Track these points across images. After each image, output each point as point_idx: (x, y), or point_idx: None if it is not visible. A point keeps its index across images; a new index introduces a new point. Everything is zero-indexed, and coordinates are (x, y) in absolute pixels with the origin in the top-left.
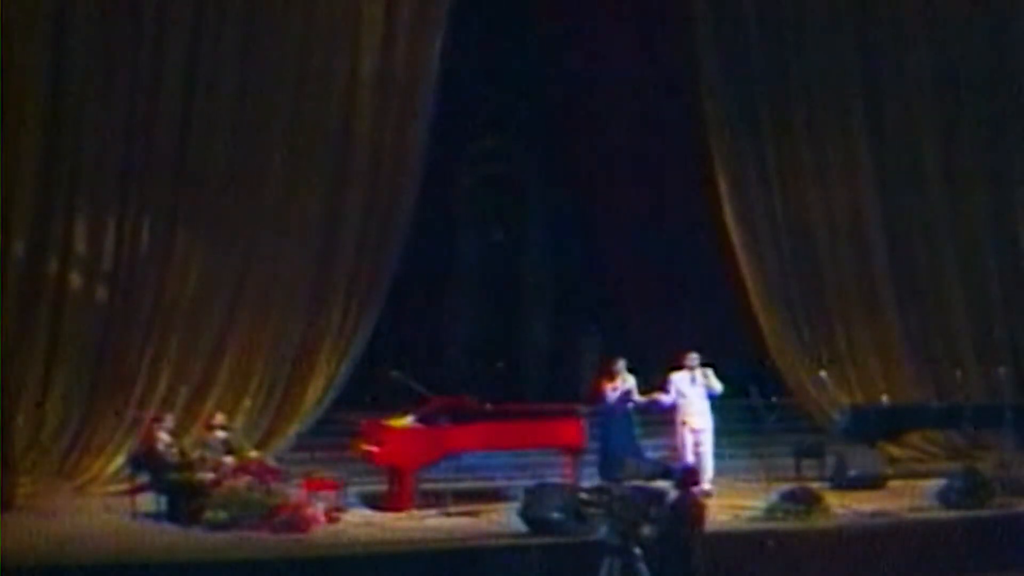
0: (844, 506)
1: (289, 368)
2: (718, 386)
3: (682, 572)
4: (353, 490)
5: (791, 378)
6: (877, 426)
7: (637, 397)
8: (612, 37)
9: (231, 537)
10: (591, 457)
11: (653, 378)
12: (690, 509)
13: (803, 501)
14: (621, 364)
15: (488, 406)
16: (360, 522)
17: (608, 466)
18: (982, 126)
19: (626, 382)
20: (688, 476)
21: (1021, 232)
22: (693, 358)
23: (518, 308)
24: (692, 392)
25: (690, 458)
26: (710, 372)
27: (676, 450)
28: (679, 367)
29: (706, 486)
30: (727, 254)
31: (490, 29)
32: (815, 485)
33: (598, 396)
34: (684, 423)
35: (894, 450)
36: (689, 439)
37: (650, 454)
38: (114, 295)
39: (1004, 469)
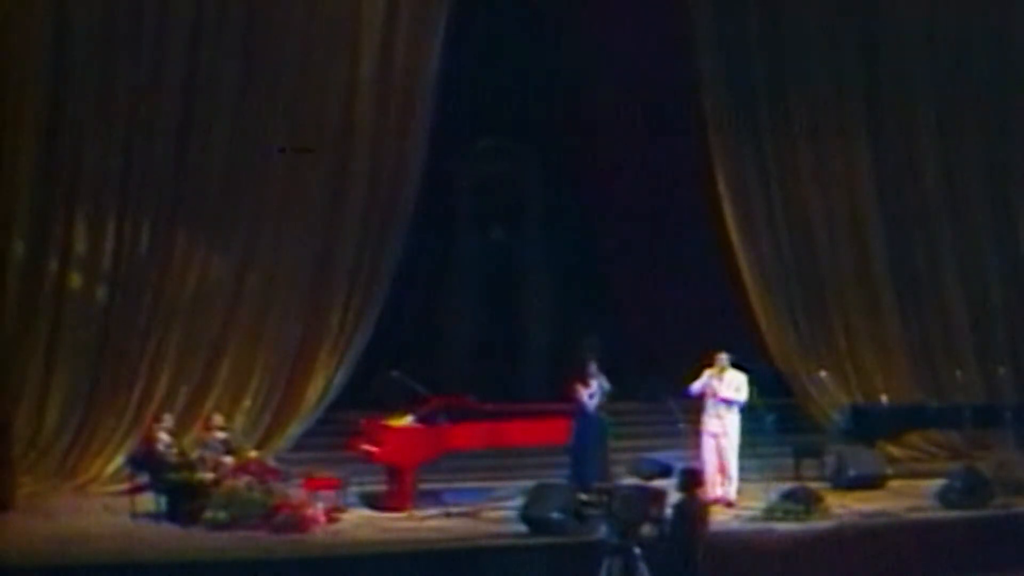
0: (844, 506)
1: (289, 368)
2: (740, 395)
3: (683, 572)
4: (353, 490)
5: (791, 378)
6: (877, 426)
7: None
8: (612, 37)
9: (231, 537)
10: None
11: (650, 377)
12: (694, 512)
13: (803, 501)
14: (593, 367)
15: (488, 405)
16: (360, 522)
17: (578, 471)
18: (982, 126)
19: (600, 385)
20: (692, 478)
21: (1021, 232)
22: (721, 358)
23: (518, 307)
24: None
25: (711, 462)
26: (738, 378)
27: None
28: (711, 364)
29: (731, 496)
30: (727, 254)
31: (490, 29)
32: (815, 485)
33: (571, 399)
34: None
35: (894, 450)
36: (709, 443)
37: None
38: (114, 295)
39: (1004, 469)
